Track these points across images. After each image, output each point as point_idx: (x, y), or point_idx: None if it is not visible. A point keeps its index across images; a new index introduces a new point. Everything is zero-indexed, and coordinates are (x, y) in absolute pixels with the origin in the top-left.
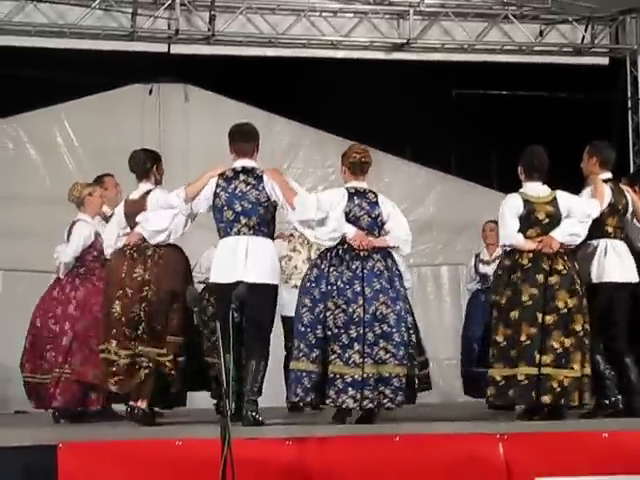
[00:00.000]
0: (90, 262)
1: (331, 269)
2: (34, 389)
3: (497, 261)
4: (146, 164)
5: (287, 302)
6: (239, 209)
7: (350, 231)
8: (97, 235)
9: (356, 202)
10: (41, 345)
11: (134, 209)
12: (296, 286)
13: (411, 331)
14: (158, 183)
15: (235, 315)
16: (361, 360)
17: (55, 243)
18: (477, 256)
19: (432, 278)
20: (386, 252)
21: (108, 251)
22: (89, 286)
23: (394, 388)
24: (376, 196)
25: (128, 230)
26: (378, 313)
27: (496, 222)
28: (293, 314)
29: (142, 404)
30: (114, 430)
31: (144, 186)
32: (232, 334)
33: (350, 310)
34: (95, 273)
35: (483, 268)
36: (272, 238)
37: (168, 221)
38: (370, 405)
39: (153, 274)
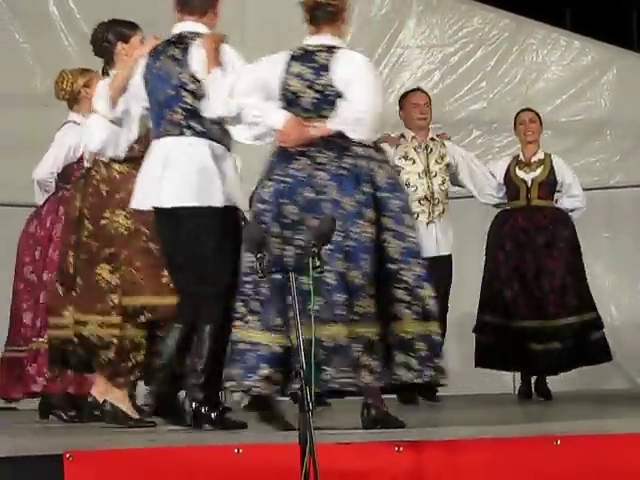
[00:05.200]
0: None
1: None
2: (8, 368)
3: None
4: (104, 41)
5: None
6: (161, 97)
7: (277, 119)
8: None
9: (295, 70)
10: (18, 303)
11: None
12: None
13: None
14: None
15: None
16: None
17: None
18: None
19: (605, 206)
20: (336, 145)
21: None
22: None
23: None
24: (331, 53)
25: None
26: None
27: None
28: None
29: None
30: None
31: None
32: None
33: None
34: None
35: None
36: (213, 139)
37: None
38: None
39: (88, 204)
